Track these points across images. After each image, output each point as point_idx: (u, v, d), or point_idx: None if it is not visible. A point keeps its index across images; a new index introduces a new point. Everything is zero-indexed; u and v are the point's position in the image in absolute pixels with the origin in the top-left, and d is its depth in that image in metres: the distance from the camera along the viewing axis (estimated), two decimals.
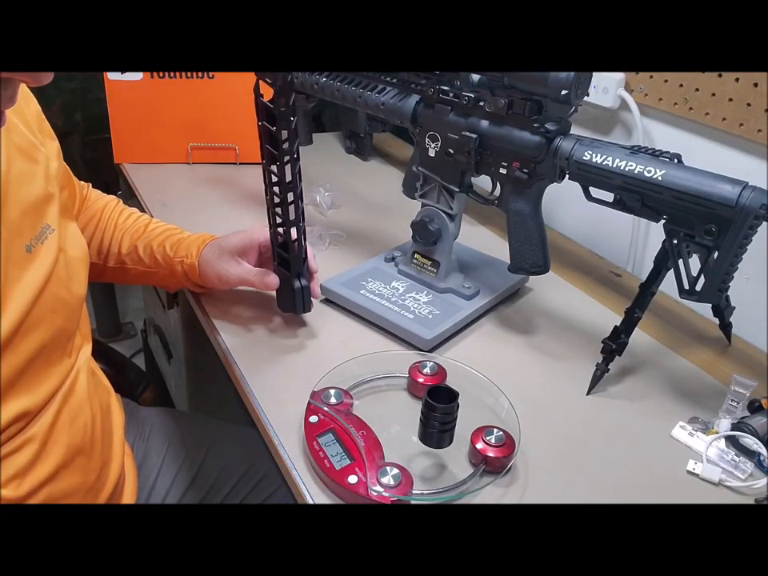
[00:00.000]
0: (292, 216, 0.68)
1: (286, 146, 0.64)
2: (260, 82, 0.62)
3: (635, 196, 0.62)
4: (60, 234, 0.58)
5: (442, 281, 0.80)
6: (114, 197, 0.83)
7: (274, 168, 0.66)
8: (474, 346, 0.75)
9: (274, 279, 0.71)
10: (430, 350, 0.72)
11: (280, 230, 0.69)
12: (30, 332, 0.52)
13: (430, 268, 0.81)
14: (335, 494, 0.54)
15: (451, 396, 0.54)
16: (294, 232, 0.69)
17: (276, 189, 0.67)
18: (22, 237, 0.53)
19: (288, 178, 0.66)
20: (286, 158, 0.65)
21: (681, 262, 0.61)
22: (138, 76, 1.12)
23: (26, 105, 0.60)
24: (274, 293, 0.74)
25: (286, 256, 0.70)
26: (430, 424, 0.54)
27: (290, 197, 0.67)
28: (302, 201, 0.68)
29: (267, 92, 0.62)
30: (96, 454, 0.61)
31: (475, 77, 0.72)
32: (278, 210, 0.68)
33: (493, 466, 0.56)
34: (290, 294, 0.71)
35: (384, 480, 0.53)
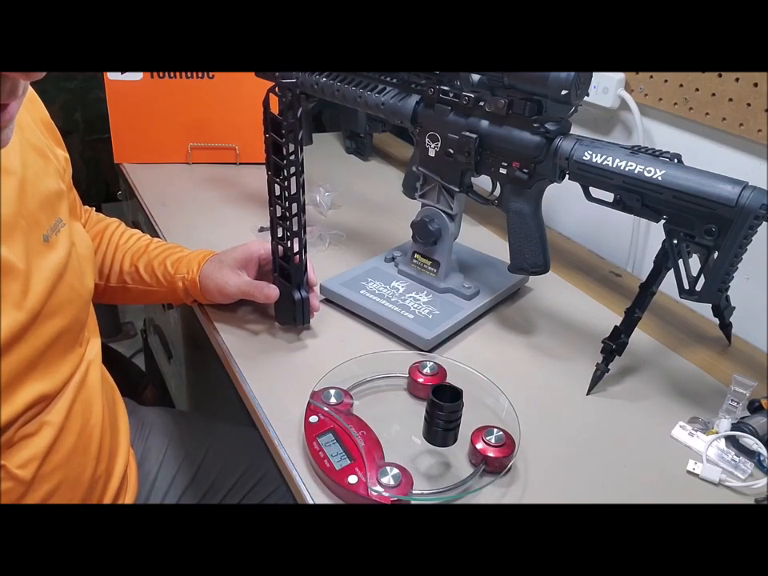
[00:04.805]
0: (295, 228, 0.69)
1: (292, 157, 0.65)
2: (269, 94, 0.63)
3: (635, 196, 0.62)
4: (70, 230, 0.60)
5: (442, 281, 0.80)
6: (116, 219, 0.84)
7: (278, 180, 0.67)
8: (474, 346, 0.75)
9: (273, 291, 0.71)
10: (430, 350, 0.72)
11: (282, 241, 0.70)
12: (50, 318, 0.54)
13: (430, 268, 0.81)
14: (335, 494, 0.54)
15: (455, 394, 0.54)
16: (296, 243, 0.70)
17: (280, 201, 0.68)
18: (39, 227, 0.55)
19: (293, 190, 0.67)
20: (292, 170, 0.66)
21: (681, 262, 0.61)
22: (138, 76, 1.12)
23: (33, 109, 0.62)
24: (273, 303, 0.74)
25: (287, 267, 0.71)
26: (435, 423, 0.54)
27: (294, 209, 0.68)
28: (303, 213, 0.69)
29: (274, 105, 0.64)
30: (105, 445, 0.62)
31: (475, 77, 0.72)
32: (282, 222, 0.69)
33: (493, 466, 0.56)
34: (290, 306, 0.72)
35: (384, 480, 0.53)
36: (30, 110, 0.60)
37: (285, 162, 0.65)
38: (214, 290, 0.73)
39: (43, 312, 0.53)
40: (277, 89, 0.63)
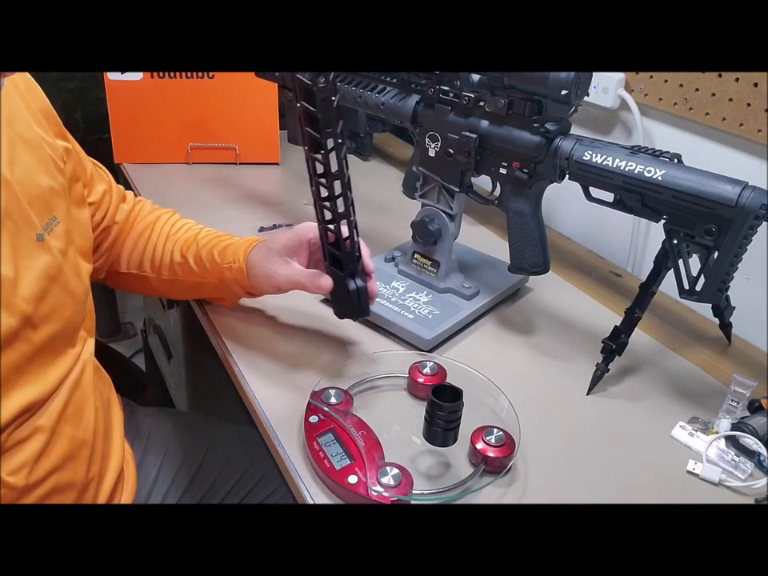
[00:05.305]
0: (341, 209, 0.61)
1: (328, 129, 0.57)
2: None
3: (635, 196, 0.61)
4: (67, 226, 0.58)
5: (441, 281, 0.80)
6: (170, 210, 0.81)
7: (318, 156, 0.58)
8: (474, 346, 0.75)
9: (327, 281, 0.64)
10: (430, 350, 0.72)
11: (330, 225, 0.62)
12: (42, 322, 0.53)
13: (430, 268, 0.81)
14: (335, 493, 0.54)
15: (455, 394, 0.54)
16: (344, 227, 0.62)
17: (323, 180, 0.60)
18: (31, 227, 0.53)
19: (334, 167, 0.59)
20: (330, 143, 0.58)
21: (681, 261, 0.61)
22: (138, 76, 1.12)
23: (31, 98, 0.59)
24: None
25: (337, 254, 0.64)
26: (435, 423, 0.54)
27: (338, 187, 0.60)
28: (350, 191, 0.61)
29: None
30: (98, 447, 0.61)
31: (475, 77, 0.72)
32: (327, 203, 0.61)
33: (493, 466, 0.56)
34: (345, 297, 0.65)
35: (384, 480, 0.53)
36: (27, 99, 0.58)
37: (320, 134, 0.57)
38: (263, 280, 0.68)
39: (34, 315, 0.52)
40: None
